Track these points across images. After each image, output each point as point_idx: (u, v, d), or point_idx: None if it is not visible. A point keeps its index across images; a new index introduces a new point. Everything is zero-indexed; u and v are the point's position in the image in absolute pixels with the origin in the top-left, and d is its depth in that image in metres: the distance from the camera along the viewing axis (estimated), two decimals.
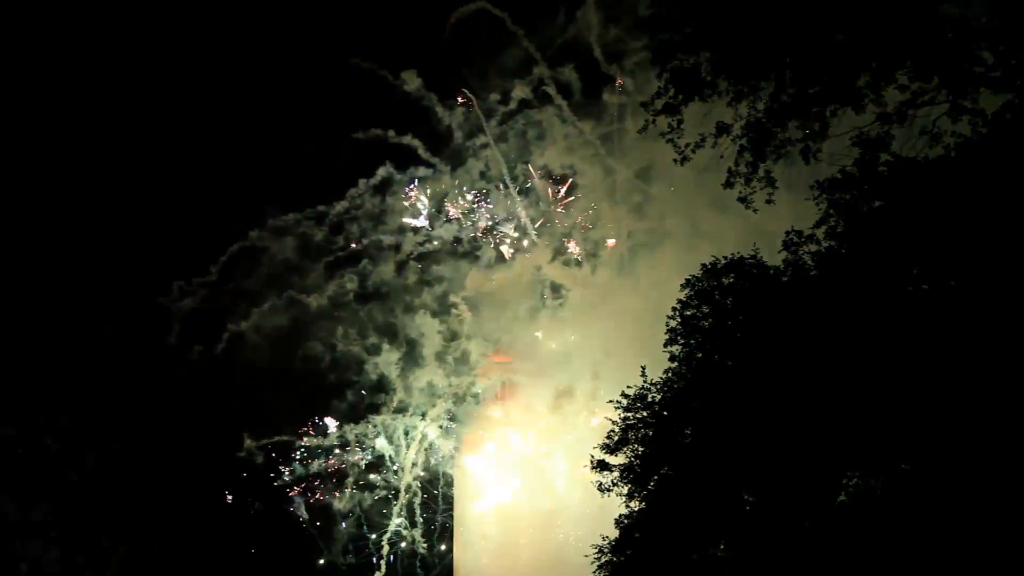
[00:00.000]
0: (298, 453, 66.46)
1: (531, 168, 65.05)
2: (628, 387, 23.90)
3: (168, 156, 65.14)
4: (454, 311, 63.53)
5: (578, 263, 64.97)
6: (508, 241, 66.50)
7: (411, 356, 63.66)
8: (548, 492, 61.84)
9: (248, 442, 62.93)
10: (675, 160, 20.95)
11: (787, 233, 21.47)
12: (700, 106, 20.56)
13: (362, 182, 64.84)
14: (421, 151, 64.32)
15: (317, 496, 66.00)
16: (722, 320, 22.53)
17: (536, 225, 66.33)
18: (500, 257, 66.46)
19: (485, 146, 64.13)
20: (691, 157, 21.10)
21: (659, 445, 23.31)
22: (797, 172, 20.92)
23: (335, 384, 64.60)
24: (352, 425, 64.91)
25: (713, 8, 19.78)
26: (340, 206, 65.04)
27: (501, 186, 65.67)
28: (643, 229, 61.31)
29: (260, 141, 65.13)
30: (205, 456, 63.07)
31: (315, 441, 66.14)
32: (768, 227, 24.15)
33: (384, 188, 65.38)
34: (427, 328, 62.91)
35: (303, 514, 65.65)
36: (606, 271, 63.35)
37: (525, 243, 66.52)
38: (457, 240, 66.68)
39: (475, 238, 66.68)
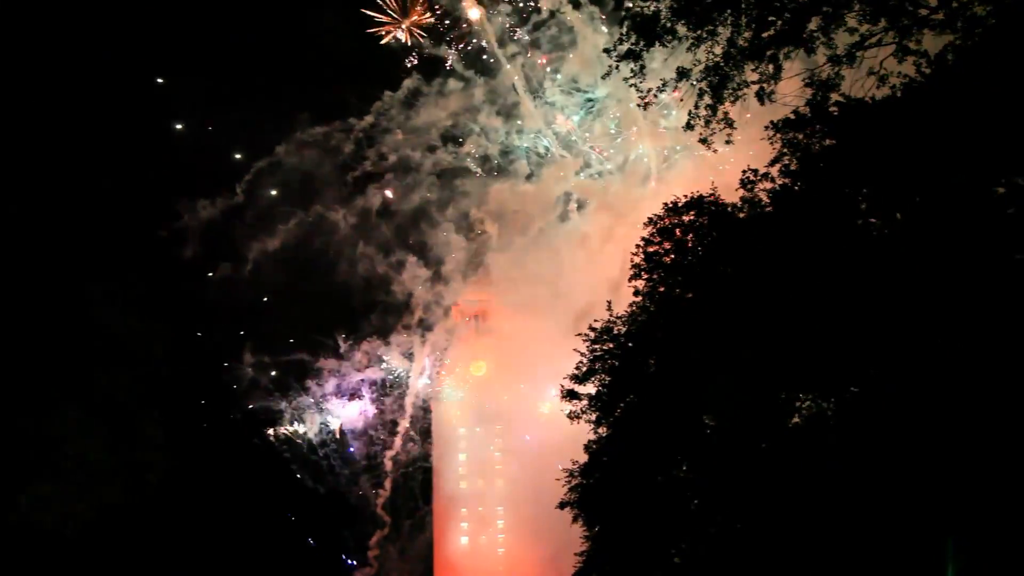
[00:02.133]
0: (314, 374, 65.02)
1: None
2: (595, 320, 25.03)
3: (187, 65, 60.53)
4: (477, 227, 62.81)
5: (600, 175, 62.70)
6: (537, 155, 63.98)
7: (435, 273, 63.05)
8: (530, 423, 62.73)
9: (253, 360, 62.01)
10: (638, 105, 21.80)
11: (743, 171, 22.48)
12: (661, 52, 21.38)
13: (388, 95, 62.53)
14: (453, 62, 61.96)
15: (328, 418, 65.46)
16: (683, 255, 23.59)
17: (564, 136, 63.50)
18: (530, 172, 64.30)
19: (516, 55, 61.36)
20: (653, 102, 22.01)
21: (624, 375, 24.50)
22: (753, 113, 21.83)
23: (360, 303, 63.72)
24: (372, 342, 63.89)
25: None
26: (367, 120, 62.86)
27: (531, 98, 62.62)
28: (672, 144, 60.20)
29: (284, 49, 61.18)
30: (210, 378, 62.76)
31: (331, 363, 64.81)
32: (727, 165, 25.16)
33: (413, 100, 62.97)
34: (452, 245, 62.53)
35: (314, 436, 65.23)
36: (631, 185, 61.17)
37: (554, 155, 63.81)
38: (485, 157, 64.58)
39: (505, 153, 64.33)
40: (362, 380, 65.04)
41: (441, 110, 62.99)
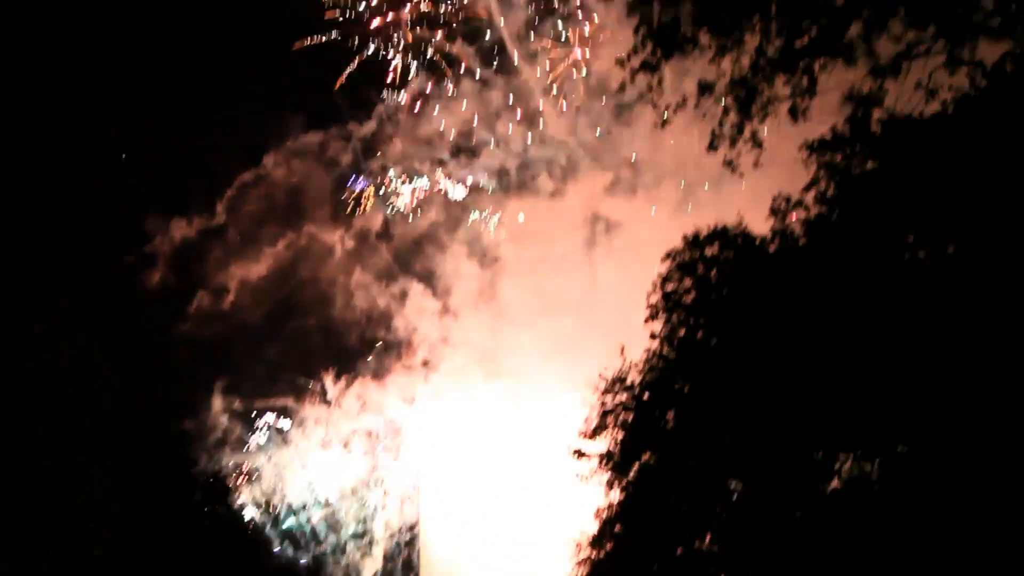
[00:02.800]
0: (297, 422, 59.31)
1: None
2: (605, 368, 22.63)
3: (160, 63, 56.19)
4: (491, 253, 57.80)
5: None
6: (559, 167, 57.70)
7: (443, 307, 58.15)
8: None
9: (224, 405, 56.30)
10: (656, 124, 19.77)
11: (774, 199, 20.28)
12: (681, 63, 19.33)
13: (391, 95, 57.60)
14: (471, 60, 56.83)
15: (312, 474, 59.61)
16: (706, 294, 21.30)
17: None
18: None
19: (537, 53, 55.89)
20: (671, 120, 19.88)
21: (640, 430, 22.03)
22: (785, 132, 19.63)
23: (356, 340, 58.85)
24: (366, 384, 57.90)
25: None
26: (368, 127, 57.71)
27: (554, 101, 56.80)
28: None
29: (274, 43, 56.47)
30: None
31: (319, 410, 58.96)
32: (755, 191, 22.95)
33: (421, 103, 57.58)
34: (461, 273, 57.78)
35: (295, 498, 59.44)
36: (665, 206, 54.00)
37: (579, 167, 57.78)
38: (503, 170, 58.99)
39: (525, 165, 58.29)
40: (354, 431, 60.85)
41: (452, 115, 58.13)
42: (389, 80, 57.46)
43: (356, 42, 56.84)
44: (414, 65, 57.83)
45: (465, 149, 59.08)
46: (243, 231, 58.56)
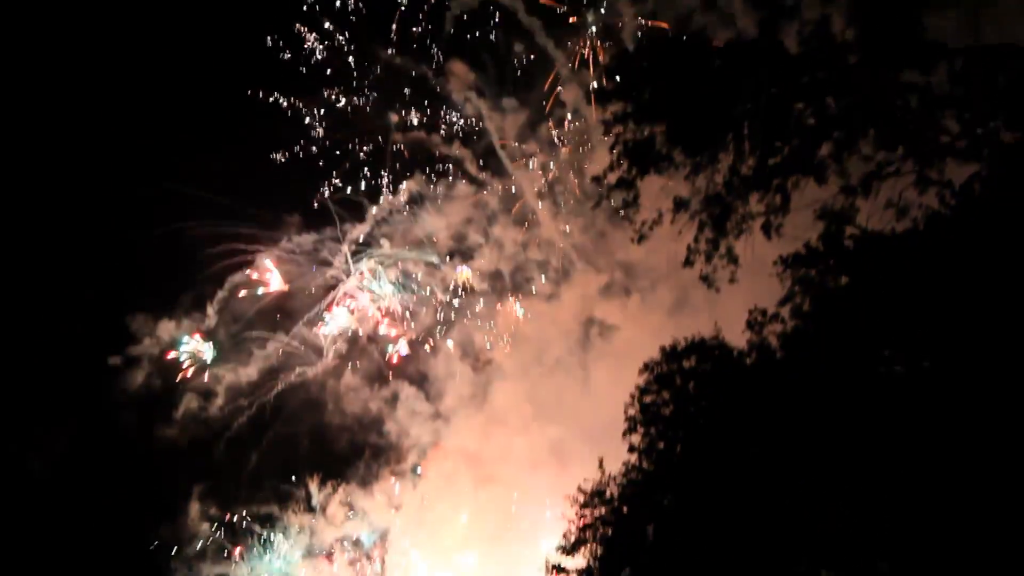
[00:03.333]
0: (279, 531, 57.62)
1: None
2: (584, 480, 22.14)
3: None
4: (483, 356, 57.34)
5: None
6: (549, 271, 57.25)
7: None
8: None
9: (200, 513, 54.68)
10: (631, 239, 19.78)
11: (750, 312, 20.21)
12: (656, 180, 19.44)
13: (387, 198, 58.13)
14: (468, 162, 57.56)
15: None
16: (684, 407, 21.02)
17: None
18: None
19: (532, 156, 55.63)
20: (648, 235, 19.91)
21: (619, 545, 21.45)
22: (760, 247, 19.71)
23: (343, 444, 57.80)
24: (351, 491, 56.94)
25: (665, 77, 18.80)
26: (360, 230, 58.08)
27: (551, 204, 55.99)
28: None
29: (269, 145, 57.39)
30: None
31: (302, 518, 57.74)
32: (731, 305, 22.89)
33: (417, 204, 58.25)
34: (454, 375, 57.16)
35: None
36: (656, 310, 53.77)
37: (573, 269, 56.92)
38: (496, 273, 58.89)
39: (519, 267, 58.06)
40: (339, 539, 58.28)
41: (447, 217, 58.47)
42: (384, 182, 58.22)
43: (352, 145, 57.57)
44: (407, 169, 58.62)
45: (459, 251, 59.90)
46: (232, 333, 57.99)
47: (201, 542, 56.39)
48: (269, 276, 58.51)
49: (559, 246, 56.07)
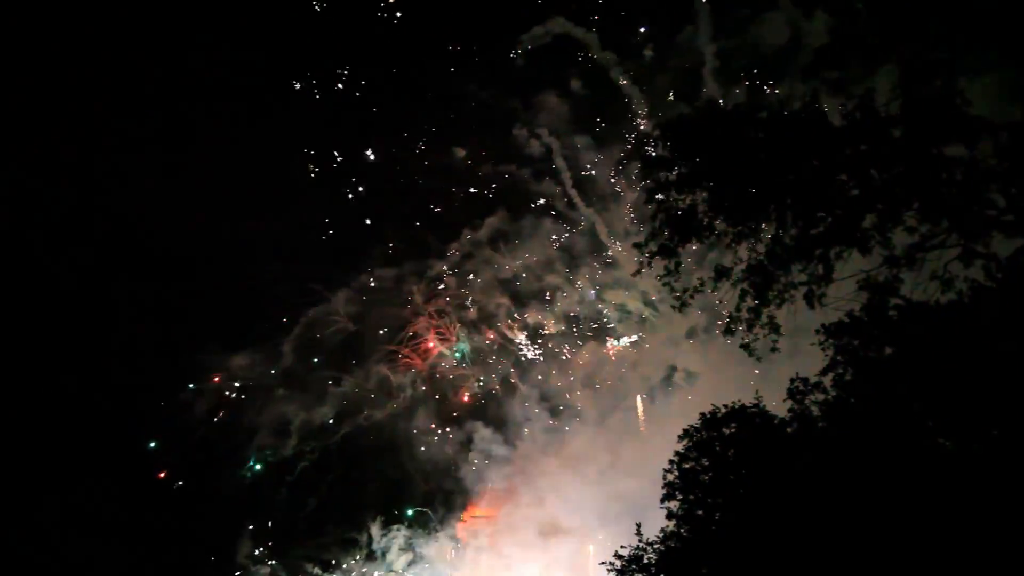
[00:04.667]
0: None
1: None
2: (622, 547, 21.89)
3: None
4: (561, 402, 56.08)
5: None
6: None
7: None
8: None
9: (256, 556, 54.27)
10: (673, 307, 19.81)
11: (792, 380, 20.07)
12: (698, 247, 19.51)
13: (467, 233, 57.79)
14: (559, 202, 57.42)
15: None
16: (723, 474, 20.82)
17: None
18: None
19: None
20: (689, 303, 19.94)
21: None
22: (802, 316, 19.60)
23: (415, 488, 57.19)
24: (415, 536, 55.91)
25: (709, 146, 18.93)
26: (438, 267, 57.98)
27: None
28: None
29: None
30: None
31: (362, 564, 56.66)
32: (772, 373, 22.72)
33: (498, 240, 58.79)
34: (531, 419, 55.62)
35: None
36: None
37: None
38: (575, 318, 59.16)
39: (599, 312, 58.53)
40: None
41: (527, 254, 57.97)
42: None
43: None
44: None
45: (538, 292, 59.25)
46: (305, 372, 57.63)
47: None
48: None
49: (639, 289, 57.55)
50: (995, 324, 18.12)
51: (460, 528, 57.71)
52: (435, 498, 58.40)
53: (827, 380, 19.55)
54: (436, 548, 57.24)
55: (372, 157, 59.55)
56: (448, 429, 59.64)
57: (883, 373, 19.05)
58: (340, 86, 58.75)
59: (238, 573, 55.69)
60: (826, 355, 19.43)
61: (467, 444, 58.97)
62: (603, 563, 22.22)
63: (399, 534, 57.62)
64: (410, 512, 57.98)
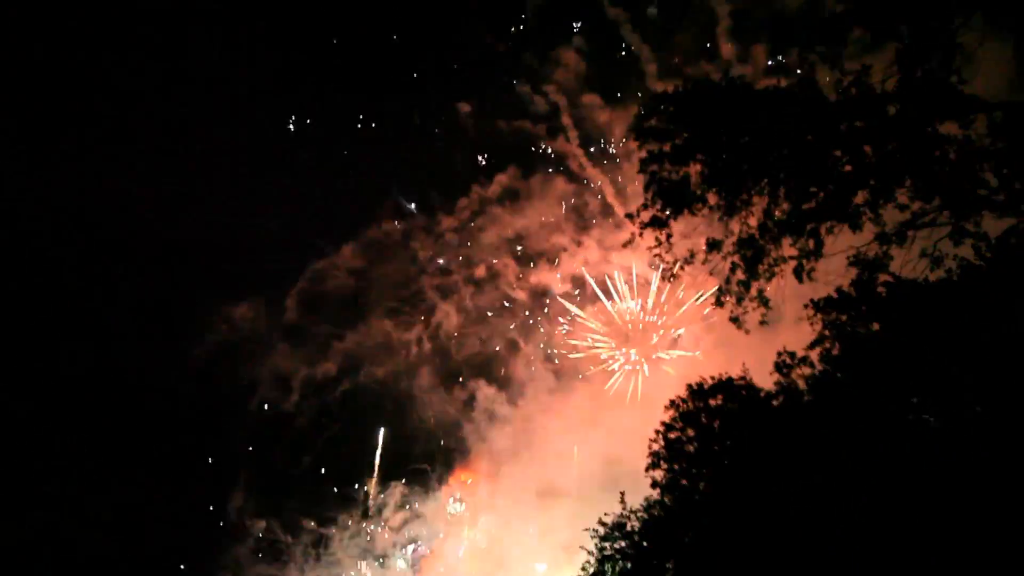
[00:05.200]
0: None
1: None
2: (605, 514, 22.16)
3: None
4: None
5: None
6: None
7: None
8: None
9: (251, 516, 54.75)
10: (664, 278, 19.85)
11: (779, 354, 20.22)
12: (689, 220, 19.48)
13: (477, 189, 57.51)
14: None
15: None
16: (708, 445, 21.02)
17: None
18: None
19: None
20: (679, 275, 19.99)
21: None
22: (791, 291, 19.68)
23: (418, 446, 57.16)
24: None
25: (703, 119, 18.84)
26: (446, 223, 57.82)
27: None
28: None
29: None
30: None
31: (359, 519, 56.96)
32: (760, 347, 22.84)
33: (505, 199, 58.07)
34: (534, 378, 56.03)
35: None
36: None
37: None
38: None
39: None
40: (394, 543, 57.73)
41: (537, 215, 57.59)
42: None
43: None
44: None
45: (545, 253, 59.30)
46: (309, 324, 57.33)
47: (253, 540, 56.27)
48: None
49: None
50: (984, 303, 18.22)
51: (458, 488, 58.11)
52: (435, 457, 58.60)
53: (814, 354, 19.69)
54: (434, 506, 57.51)
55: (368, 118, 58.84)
56: (450, 388, 59.64)
57: (870, 349, 19.18)
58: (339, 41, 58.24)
59: (226, 525, 55.96)
60: (814, 329, 19.55)
61: (468, 403, 59.08)
62: (586, 529, 22.52)
63: (396, 491, 57.89)
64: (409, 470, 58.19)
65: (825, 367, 19.65)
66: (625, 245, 20.72)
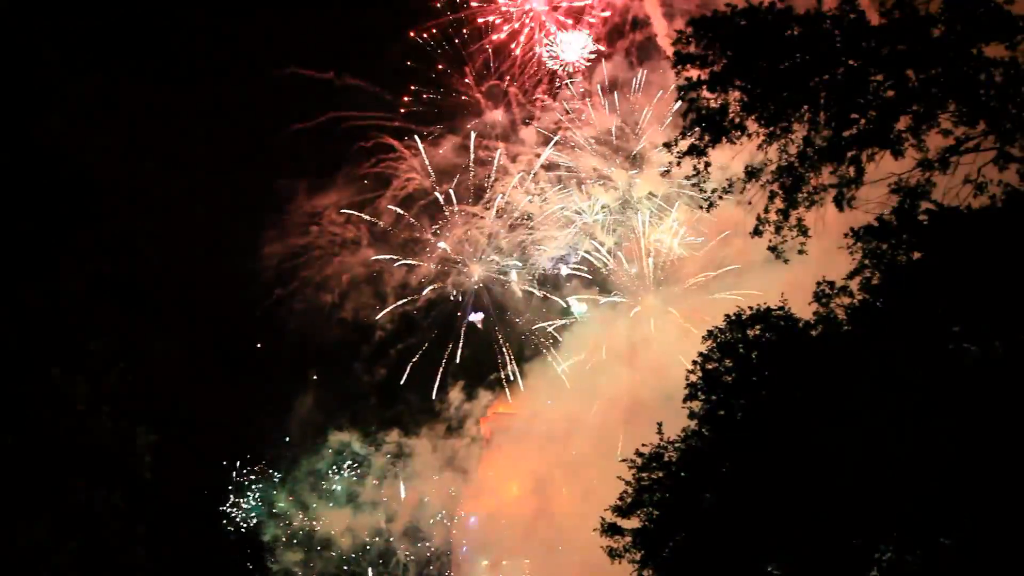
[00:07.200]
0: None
1: None
2: (643, 445, 22.38)
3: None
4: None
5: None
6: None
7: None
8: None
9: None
10: (700, 207, 19.80)
11: (818, 284, 20.12)
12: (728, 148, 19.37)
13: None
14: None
15: None
16: (746, 375, 21.08)
17: None
18: None
19: None
20: (717, 204, 19.91)
21: (676, 509, 21.71)
22: (830, 219, 19.53)
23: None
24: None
25: (742, 43, 18.65)
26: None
27: None
28: None
29: None
30: None
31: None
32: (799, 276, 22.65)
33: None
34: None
35: None
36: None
37: None
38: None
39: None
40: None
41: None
42: None
43: None
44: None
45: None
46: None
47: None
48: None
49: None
50: None
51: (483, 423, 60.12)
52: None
53: (854, 283, 19.56)
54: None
55: None
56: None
57: (911, 277, 19.02)
58: None
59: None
60: (853, 259, 19.42)
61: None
62: (623, 460, 22.78)
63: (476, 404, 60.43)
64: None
65: (865, 296, 19.53)
66: (663, 175, 20.72)
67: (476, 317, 59.75)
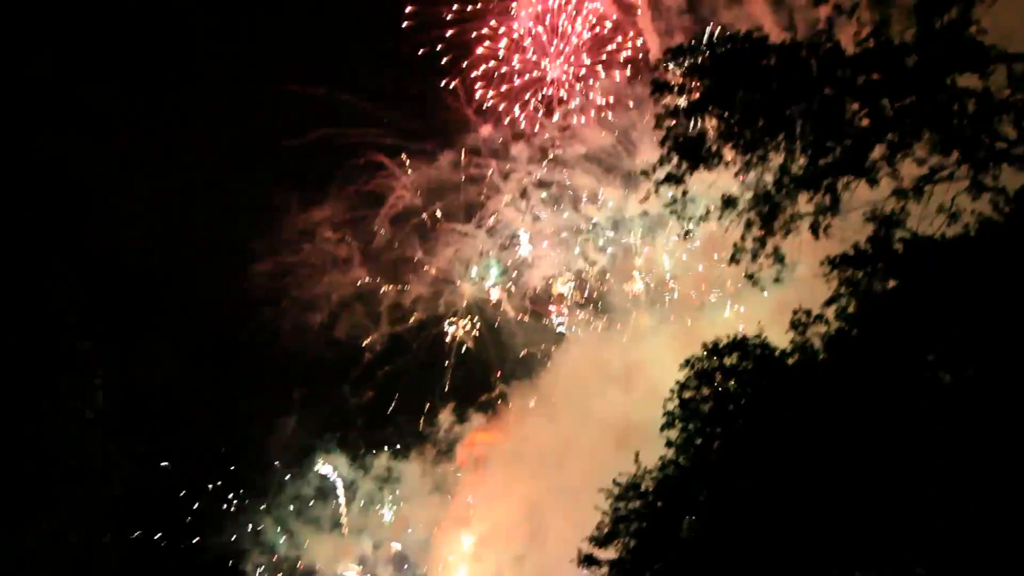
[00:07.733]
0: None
1: None
2: (620, 474, 22.18)
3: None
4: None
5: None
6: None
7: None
8: None
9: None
10: (678, 235, 19.84)
11: (794, 312, 20.15)
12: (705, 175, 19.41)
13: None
14: None
15: None
16: (723, 404, 21.01)
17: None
18: None
19: None
20: (694, 231, 19.94)
21: (653, 539, 21.48)
22: (806, 248, 19.59)
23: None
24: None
25: (720, 73, 18.77)
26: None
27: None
28: None
29: None
30: None
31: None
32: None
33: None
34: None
35: None
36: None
37: None
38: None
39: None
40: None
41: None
42: None
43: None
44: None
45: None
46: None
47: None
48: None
49: None
50: (1001, 259, 18.10)
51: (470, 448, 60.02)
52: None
53: (830, 312, 19.60)
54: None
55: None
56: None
57: (886, 306, 19.08)
58: None
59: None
60: (829, 287, 19.47)
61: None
62: (601, 490, 22.55)
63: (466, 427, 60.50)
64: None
65: (841, 324, 19.57)
66: (642, 202, 20.70)
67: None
